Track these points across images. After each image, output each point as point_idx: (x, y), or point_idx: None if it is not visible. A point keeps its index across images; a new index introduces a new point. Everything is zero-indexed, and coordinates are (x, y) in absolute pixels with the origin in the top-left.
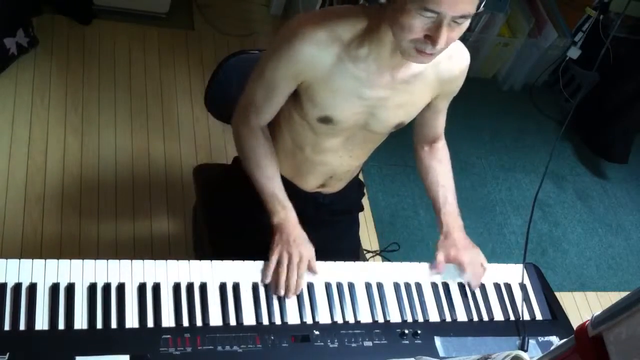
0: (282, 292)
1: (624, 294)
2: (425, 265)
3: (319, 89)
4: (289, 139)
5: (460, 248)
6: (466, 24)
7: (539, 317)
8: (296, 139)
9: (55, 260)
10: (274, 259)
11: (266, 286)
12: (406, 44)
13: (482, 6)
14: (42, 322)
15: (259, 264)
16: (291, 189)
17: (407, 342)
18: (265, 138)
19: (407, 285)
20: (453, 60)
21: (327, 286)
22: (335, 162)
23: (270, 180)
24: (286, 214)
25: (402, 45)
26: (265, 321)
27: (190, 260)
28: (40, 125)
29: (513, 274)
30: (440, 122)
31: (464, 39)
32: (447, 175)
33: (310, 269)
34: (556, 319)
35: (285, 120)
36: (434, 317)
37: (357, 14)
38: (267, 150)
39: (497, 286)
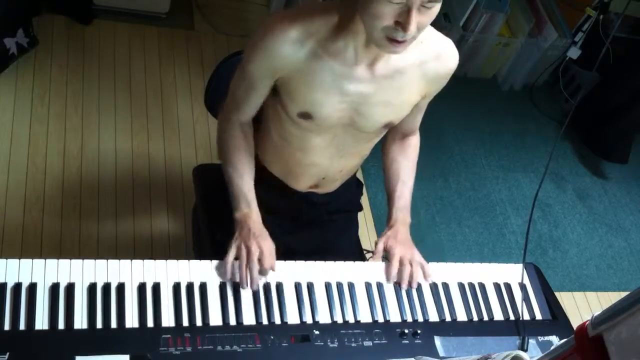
0: (245, 286)
1: (624, 294)
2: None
3: (296, 84)
4: (277, 138)
5: (398, 241)
6: (437, 7)
7: (539, 317)
8: (284, 137)
9: (55, 260)
10: (231, 255)
11: (266, 286)
12: (377, 33)
13: None
14: (42, 322)
15: None
16: (283, 188)
17: (407, 342)
18: (243, 134)
19: None
20: (441, 60)
21: (327, 286)
22: (325, 163)
23: (240, 177)
24: (249, 212)
25: (374, 35)
26: (265, 321)
27: (190, 260)
28: (40, 125)
29: (513, 274)
30: (417, 119)
31: (463, 38)
32: (410, 173)
33: (270, 265)
34: (556, 319)
35: (272, 117)
36: (433, 317)
37: (330, 9)
38: (242, 146)
39: (497, 286)
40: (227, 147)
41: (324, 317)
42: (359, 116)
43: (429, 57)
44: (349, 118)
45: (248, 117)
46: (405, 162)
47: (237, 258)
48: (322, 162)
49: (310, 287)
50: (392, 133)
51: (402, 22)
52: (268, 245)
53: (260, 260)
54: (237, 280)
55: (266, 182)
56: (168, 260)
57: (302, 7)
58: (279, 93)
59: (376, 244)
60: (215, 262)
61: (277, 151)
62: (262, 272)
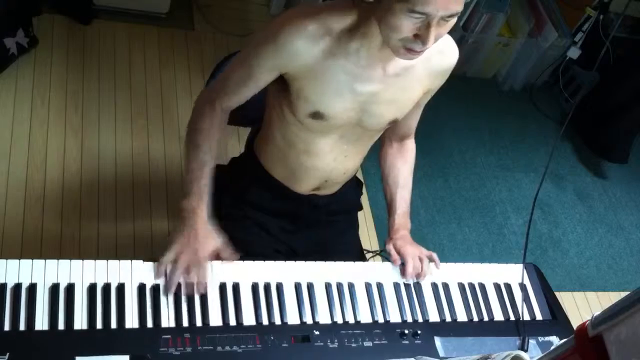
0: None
1: (624, 294)
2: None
3: (308, 82)
4: (281, 141)
5: (406, 242)
6: (454, 20)
7: (539, 317)
8: (288, 139)
9: (55, 260)
10: (169, 254)
11: (266, 286)
12: (395, 43)
13: None
14: (42, 322)
15: (259, 263)
16: (285, 191)
17: (407, 342)
18: (220, 122)
19: (407, 285)
20: (444, 55)
21: (327, 286)
22: (329, 166)
23: (200, 167)
24: (197, 206)
25: (391, 44)
26: (265, 321)
27: None
28: (40, 125)
29: (513, 274)
30: (414, 119)
31: (463, 38)
32: (408, 177)
33: (224, 256)
34: (556, 319)
35: (277, 121)
36: (434, 317)
37: (348, 9)
38: (216, 134)
39: (497, 286)
40: (199, 129)
41: (324, 317)
42: (366, 114)
43: (433, 52)
44: (357, 118)
45: (231, 107)
46: (404, 167)
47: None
48: (326, 165)
49: (310, 287)
50: (390, 137)
51: (421, 35)
52: (207, 251)
53: (198, 271)
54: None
55: (268, 186)
56: None
57: (320, 5)
58: (289, 92)
59: (387, 250)
60: (215, 262)
61: (280, 155)
62: (198, 286)
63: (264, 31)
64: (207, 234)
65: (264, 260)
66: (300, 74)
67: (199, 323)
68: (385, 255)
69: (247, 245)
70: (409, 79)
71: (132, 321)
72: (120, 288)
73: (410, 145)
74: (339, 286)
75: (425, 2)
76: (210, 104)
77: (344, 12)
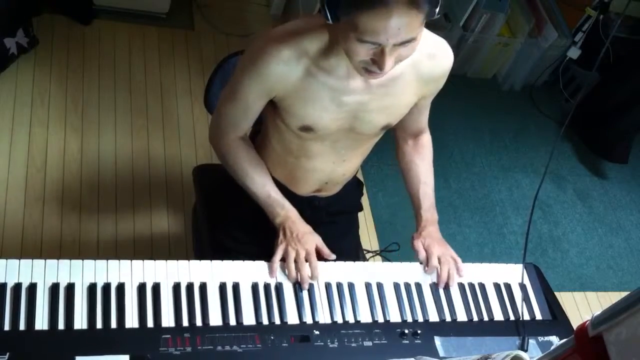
0: (305, 286)
1: (624, 294)
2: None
3: (294, 101)
4: (278, 146)
5: (434, 240)
6: (414, 43)
7: (539, 317)
8: (285, 145)
9: (55, 260)
10: (277, 256)
11: (266, 286)
12: (356, 64)
13: (436, 14)
14: (42, 322)
15: (259, 264)
16: (285, 192)
17: (407, 342)
18: (247, 147)
19: (407, 285)
20: (435, 60)
21: (327, 286)
22: (328, 168)
23: (263, 186)
24: (286, 213)
25: (353, 64)
26: (265, 321)
27: (190, 260)
28: (40, 125)
29: (513, 274)
30: (423, 117)
31: (463, 38)
32: (429, 172)
33: (324, 255)
34: (556, 319)
35: (273, 129)
36: (433, 317)
37: (320, 27)
38: (252, 158)
39: (497, 286)
40: (237, 163)
41: (324, 317)
42: (358, 121)
43: (422, 57)
44: (349, 124)
45: (245, 132)
46: (422, 162)
47: (283, 259)
48: (325, 168)
49: (310, 287)
50: (403, 136)
51: (377, 61)
52: (312, 245)
53: (309, 260)
54: (289, 280)
55: None
56: (168, 261)
57: (291, 25)
58: (278, 109)
59: (413, 247)
60: (215, 262)
61: (279, 158)
62: (313, 273)
63: (242, 61)
64: (307, 232)
65: (264, 260)
66: (287, 94)
67: (199, 323)
68: (385, 255)
69: (248, 245)
70: (398, 87)
71: (132, 321)
72: (120, 288)
73: (426, 140)
74: (339, 286)
75: (374, 32)
76: (227, 140)
77: (316, 33)
